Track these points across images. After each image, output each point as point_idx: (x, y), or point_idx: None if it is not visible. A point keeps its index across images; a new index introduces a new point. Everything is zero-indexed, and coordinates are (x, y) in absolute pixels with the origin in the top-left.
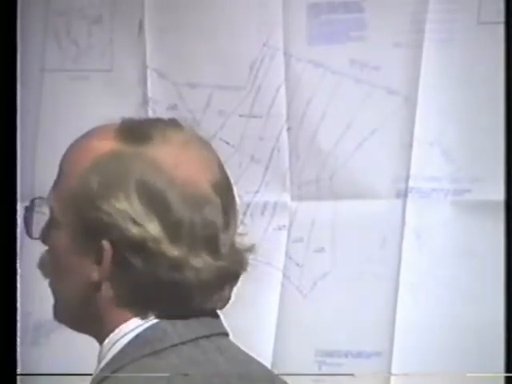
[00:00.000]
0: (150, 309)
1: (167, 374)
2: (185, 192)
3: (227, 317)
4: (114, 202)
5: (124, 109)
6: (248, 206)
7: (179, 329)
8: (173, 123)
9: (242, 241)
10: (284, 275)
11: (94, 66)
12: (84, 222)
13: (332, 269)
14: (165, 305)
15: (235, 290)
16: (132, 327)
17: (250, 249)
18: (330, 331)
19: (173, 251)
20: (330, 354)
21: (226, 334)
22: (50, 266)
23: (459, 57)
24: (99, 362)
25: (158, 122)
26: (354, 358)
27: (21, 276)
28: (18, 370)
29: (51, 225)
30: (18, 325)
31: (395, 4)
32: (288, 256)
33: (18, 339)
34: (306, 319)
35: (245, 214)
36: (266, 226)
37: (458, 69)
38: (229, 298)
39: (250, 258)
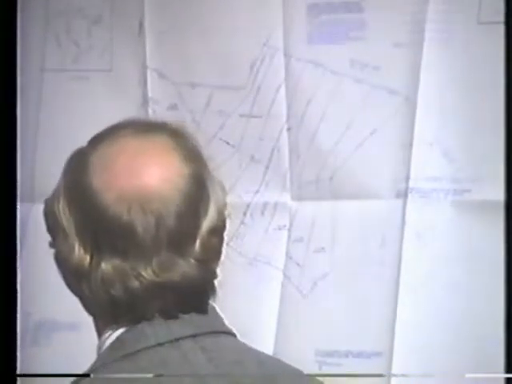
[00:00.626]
0: (120, 320)
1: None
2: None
3: (227, 316)
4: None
5: (124, 109)
6: (248, 206)
7: (159, 330)
8: (147, 127)
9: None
10: (284, 275)
11: (94, 66)
12: None
13: (332, 269)
14: (128, 315)
15: (235, 289)
16: (114, 329)
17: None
18: (330, 331)
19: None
20: (330, 354)
21: (223, 333)
22: None
23: (459, 57)
24: None
25: (128, 124)
26: (355, 358)
27: (21, 276)
28: (18, 370)
29: None
30: (18, 325)
31: (395, 4)
32: (288, 256)
33: (18, 339)
34: (306, 319)
35: (245, 214)
36: (266, 226)
37: (458, 69)
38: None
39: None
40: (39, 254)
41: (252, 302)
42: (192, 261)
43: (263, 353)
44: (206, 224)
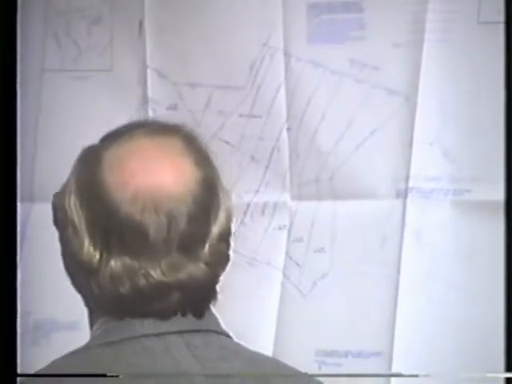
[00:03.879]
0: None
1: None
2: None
3: (227, 316)
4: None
5: (124, 109)
6: (248, 205)
7: (147, 324)
8: (162, 128)
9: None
10: (284, 275)
11: (93, 66)
12: None
13: (332, 269)
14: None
15: (235, 288)
16: (106, 321)
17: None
18: (330, 331)
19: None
20: (329, 354)
21: (214, 332)
22: None
23: (459, 57)
24: None
25: (143, 124)
26: (354, 358)
27: (21, 276)
28: (18, 370)
29: None
30: (18, 325)
31: (395, 4)
32: (288, 256)
33: (18, 339)
34: (306, 319)
35: (245, 213)
36: (266, 226)
37: (458, 69)
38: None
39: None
40: (39, 254)
41: (252, 301)
42: (201, 264)
43: (259, 353)
44: (216, 229)
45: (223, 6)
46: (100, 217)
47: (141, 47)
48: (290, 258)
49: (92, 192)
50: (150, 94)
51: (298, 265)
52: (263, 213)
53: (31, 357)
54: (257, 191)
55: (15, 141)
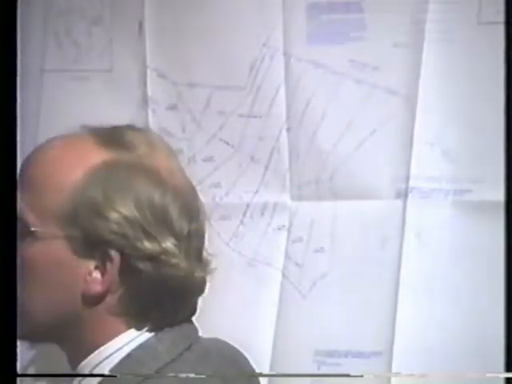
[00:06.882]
0: (147, 320)
1: None
2: (182, 202)
3: (226, 316)
4: (124, 211)
5: (124, 109)
6: (248, 206)
7: (166, 345)
8: (134, 129)
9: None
10: (283, 275)
11: (94, 66)
12: (86, 233)
13: (332, 269)
14: (161, 316)
15: (234, 289)
16: (120, 345)
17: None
18: (330, 331)
19: (183, 263)
20: (329, 354)
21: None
22: (22, 278)
23: (459, 57)
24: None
25: (127, 128)
26: (354, 358)
27: None
28: (18, 370)
29: (24, 235)
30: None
31: (395, 4)
32: (287, 256)
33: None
34: (306, 319)
35: (244, 214)
36: (265, 226)
37: (458, 69)
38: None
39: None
40: None
41: (251, 302)
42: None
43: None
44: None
45: (223, 6)
46: (176, 224)
47: (141, 47)
48: (290, 258)
49: (161, 204)
50: (149, 93)
51: (297, 265)
52: (263, 213)
53: (31, 357)
54: (256, 191)
55: (15, 141)
